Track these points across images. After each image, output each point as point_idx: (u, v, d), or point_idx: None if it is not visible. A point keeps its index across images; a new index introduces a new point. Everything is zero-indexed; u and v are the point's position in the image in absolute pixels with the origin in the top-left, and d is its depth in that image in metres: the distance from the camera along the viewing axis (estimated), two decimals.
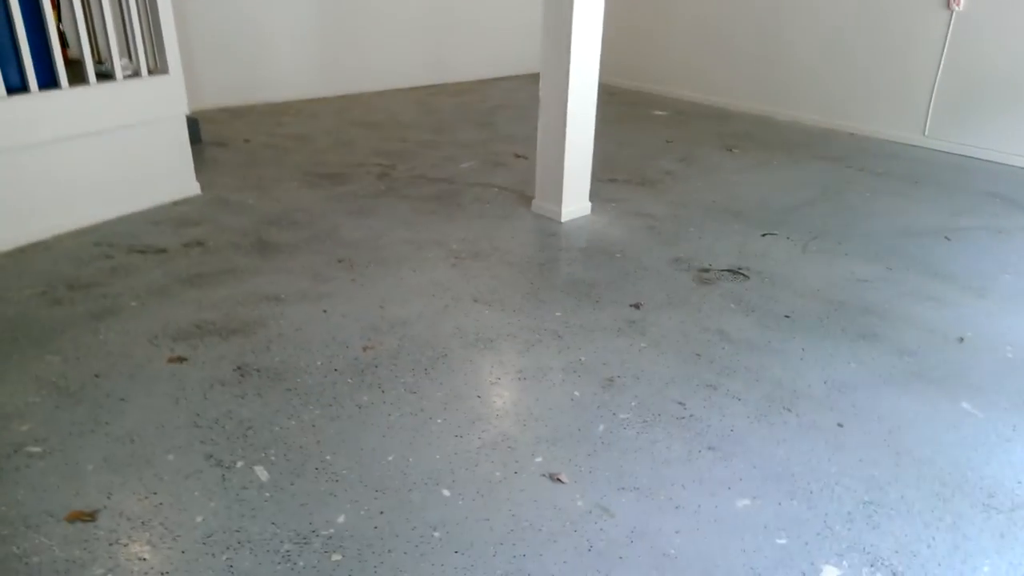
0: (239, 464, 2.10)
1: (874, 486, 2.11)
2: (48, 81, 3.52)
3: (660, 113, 7.08)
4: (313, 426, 2.28)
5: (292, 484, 2.03)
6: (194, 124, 5.03)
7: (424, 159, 5.21)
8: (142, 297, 3.08)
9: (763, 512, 2.00)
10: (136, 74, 3.91)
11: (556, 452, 2.21)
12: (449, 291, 3.24)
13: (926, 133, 6.00)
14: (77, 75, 3.65)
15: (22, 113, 3.40)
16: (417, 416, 2.36)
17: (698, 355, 2.80)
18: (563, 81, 3.82)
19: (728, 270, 3.56)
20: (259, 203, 4.22)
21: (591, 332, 2.94)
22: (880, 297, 3.32)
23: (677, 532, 1.92)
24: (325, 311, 3.02)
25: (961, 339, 2.98)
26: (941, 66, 5.79)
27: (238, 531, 1.86)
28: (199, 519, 1.89)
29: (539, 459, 2.18)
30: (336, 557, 1.79)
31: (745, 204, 4.52)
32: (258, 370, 2.58)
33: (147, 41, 3.95)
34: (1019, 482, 2.15)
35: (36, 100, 3.45)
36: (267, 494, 1.99)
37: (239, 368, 2.58)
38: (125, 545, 1.81)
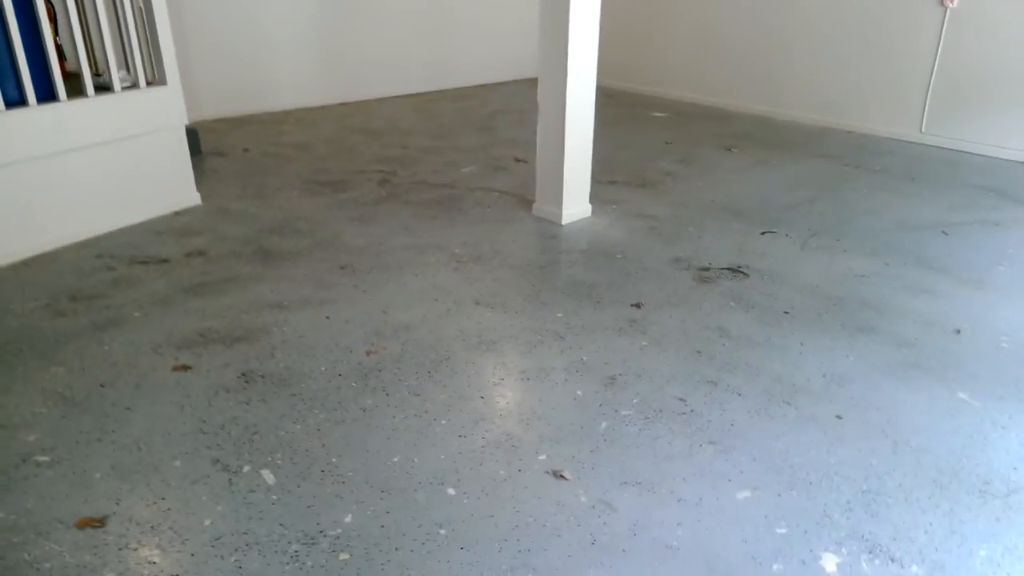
0: (246, 468, 2.13)
1: (872, 475, 2.14)
2: (47, 94, 3.56)
3: (659, 115, 7.12)
4: (318, 430, 2.31)
5: (299, 487, 2.06)
6: (193, 134, 5.07)
7: (425, 165, 5.25)
8: (145, 307, 3.11)
9: (763, 503, 2.02)
10: (134, 86, 3.95)
11: (559, 450, 2.24)
12: (451, 295, 3.27)
13: (922, 130, 6.03)
14: (75, 88, 3.69)
15: (22, 126, 3.44)
16: (421, 418, 2.39)
17: (698, 352, 2.82)
18: (561, 84, 3.86)
19: (728, 268, 3.59)
20: (260, 212, 4.26)
21: (592, 332, 2.97)
22: (878, 291, 3.35)
23: (679, 524, 1.94)
24: (328, 317, 3.05)
25: (957, 331, 3.00)
26: (936, 63, 5.82)
27: (246, 533, 1.88)
28: (207, 522, 1.92)
29: (542, 457, 2.21)
30: (344, 556, 1.81)
31: (744, 203, 4.55)
32: (263, 376, 2.61)
33: (144, 53, 3.99)
34: (1015, 468, 2.18)
35: (35, 113, 3.49)
36: (274, 497, 2.01)
37: (244, 375, 2.61)
38: (135, 549, 1.84)
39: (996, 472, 2.17)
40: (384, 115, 6.87)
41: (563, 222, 4.15)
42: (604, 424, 2.37)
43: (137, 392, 2.50)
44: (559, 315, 3.10)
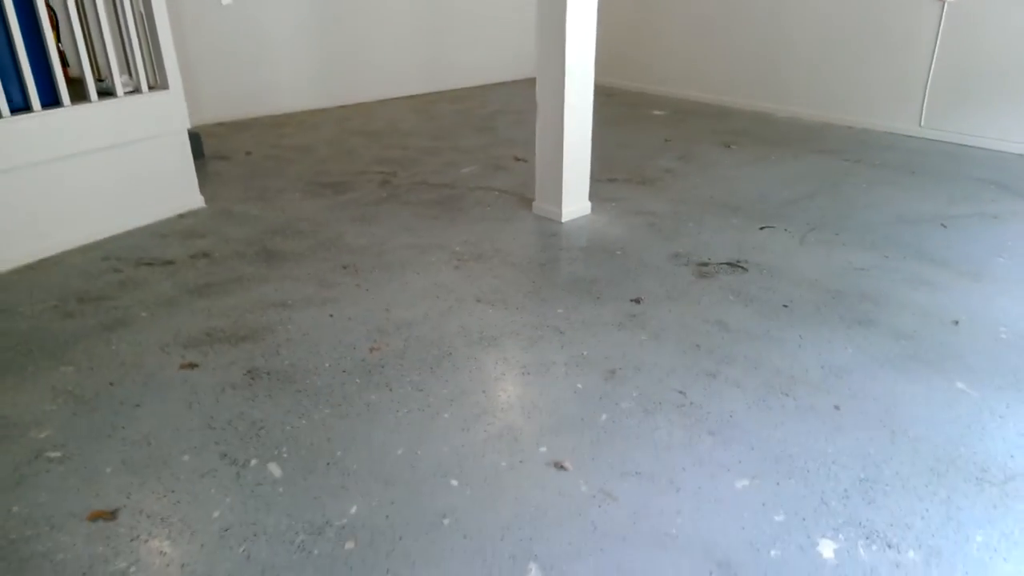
0: (253, 462, 2.17)
1: (870, 464, 2.17)
2: (50, 100, 3.61)
3: (659, 113, 7.15)
4: (323, 424, 2.35)
5: (305, 479, 2.09)
6: (196, 138, 5.12)
7: (425, 165, 5.29)
8: (152, 308, 3.15)
9: (761, 492, 2.05)
10: (136, 90, 3.99)
11: (560, 442, 2.27)
12: (453, 292, 3.31)
13: (922, 124, 6.05)
14: (79, 93, 3.74)
15: (26, 132, 3.49)
16: (424, 412, 2.43)
17: (698, 346, 2.86)
18: (559, 83, 3.89)
19: (727, 263, 3.62)
20: (263, 214, 4.30)
21: (593, 327, 3.00)
22: (876, 284, 3.38)
23: (678, 513, 1.97)
24: (331, 315, 3.09)
25: (956, 322, 3.03)
26: (935, 57, 5.85)
27: (254, 524, 1.92)
28: (216, 514, 1.96)
29: (543, 448, 2.24)
30: (350, 545, 1.85)
31: (743, 199, 4.58)
32: (268, 373, 2.65)
33: (146, 57, 4.04)
34: (1012, 456, 2.21)
35: (39, 119, 3.53)
36: (281, 489, 2.05)
37: (249, 372, 2.65)
38: (146, 541, 1.87)
39: (993, 460, 2.20)
40: (384, 117, 6.91)
41: (563, 220, 4.19)
42: (604, 416, 2.40)
43: (145, 390, 2.54)
44: (559, 311, 3.13)
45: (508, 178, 5.00)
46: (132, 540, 1.87)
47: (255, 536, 1.88)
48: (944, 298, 3.24)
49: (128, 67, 4.01)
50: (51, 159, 3.60)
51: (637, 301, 3.23)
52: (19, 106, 3.49)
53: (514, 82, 8.68)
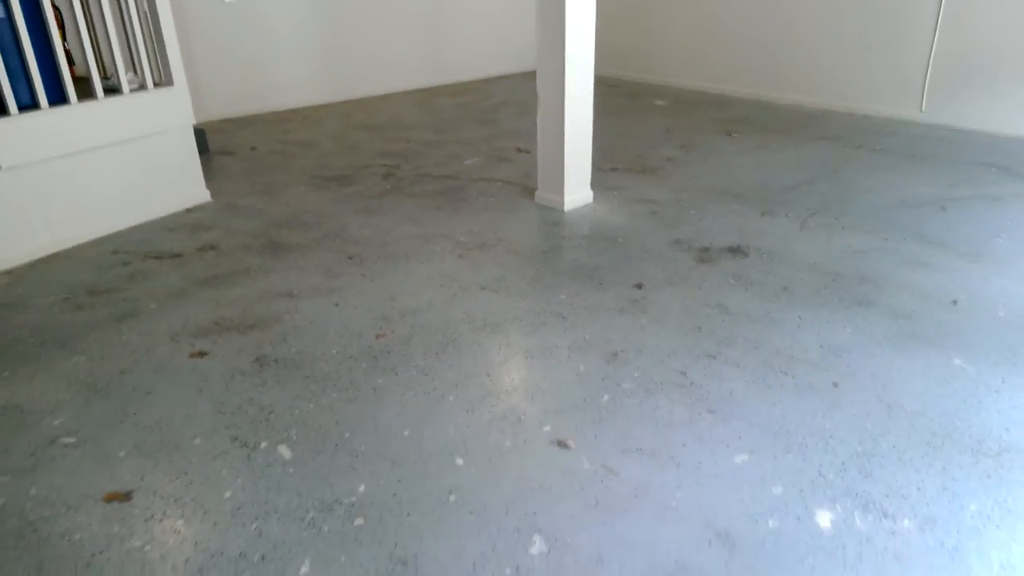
0: (263, 444, 2.22)
1: (867, 438, 2.21)
2: (58, 98, 3.67)
3: (660, 102, 7.18)
4: (331, 408, 2.40)
5: (314, 460, 2.15)
6: (201, 134, 5.17)
7: (428, 158, 5.33)
8: (161, 299, 3.21)
9: (760, 466, 2.10)
10: (142, 87, 4.05)
11: (563, 421, 2.32)
12: (457, 281, 3.35)
13: (923, 109, 6.07)
14: (85, 91, 3.79)
15: (35, 129, 3.54)
16: (430, 395, 2.48)
17: (699, 328, 2.90)
18: (559, 74, 3.93)
19: (728, 249, 3.66)
20: (268, 207, 4.35)
21: (595, 312, 3.04)
22: (876, 266, 3.41)
23: (678, 487, 2.02)
24: (337, 304, 3.14)
25: (954, 301, 3.06)
26: (935, 42, 5.86)
27: (265, 503, 1.97)
28: (228, 494, 2.01)
29: (547, 428, 2.29)
30: (359, 521, 1.90)
31: (745, 186, 4.62)
32: (276, 360, 2.70)
33: (151, 55, 4.09)
34: (1007, 429, 2.24)
35: (47, 116, 3.59)
36: (291, 470, 2.10)
37: (258, 359, 2.70)
38: (160, 520, 1.93)
39: (989, 433, 2.24)
40: (386, 111, 6.96)
41: (565, 209, 4.23)
42: (606, 397, 2.45)
43: (156, 377, 2.59)
44: (562, 297, 3.18)
45: (511, 169, 5.04)
46: (147, 520, 1.93)
47: (266, 514, 1.94)
48: (943, 279, 3.28)
49: (133, 65, 4.07)
50: (60, 156, 3.66)
51: (639, 287, 3.27)
52: (27, 104, 3.55)
53: (516, 75, 8.71)
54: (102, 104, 3.83)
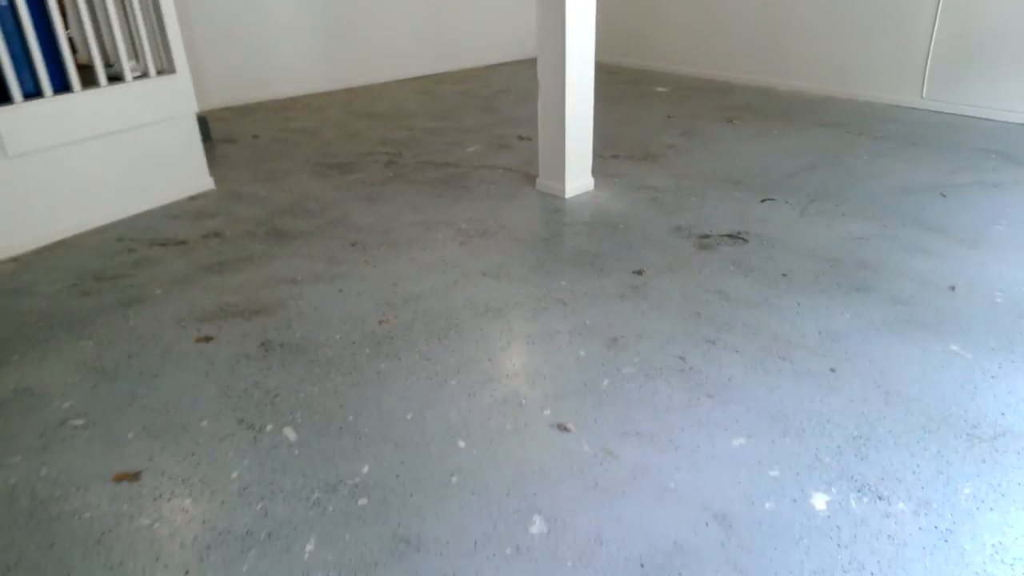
0: (269, 427, 2.26)
1: (863, 422, 2.24)
2: (61, 86, 3.69)
3: (661, 90, 7.18)
4: (335, 392, 2.44)
5: (319, 442, 2.18)
6: (203, 122, 5.19)
7: (430, 145, 5.35)
8: (166, 285, 3.24)
9: (758, 449, 2.13)
10: (145, 75, 4.07)
11: (563, 405, 2.35)
12: (458, 267, 3.38)
13: (924, 96, 6.07)
14: (88, 79, 3.81)
15: (39, 117, 3.56)
16: (432, 379, 2.51)
17: (698, 314, 2.92)
18: (560, 61, 3.94)
19: (728, 235, 3.68)
20: (272, 194, 4.38)
21: (596, 298, 3.07)
22: (875, 253, 3.44)
23: (677, 469, 2.05)
24: (341, 290, 3.17)
25: (952, 287, 3.09)
26: (935, 28, 5.85)
27: (271, 483, 2.01)
28: (234, 475, 2.05)
29: (547, 412, 2.32)
30: (363, 501, 1.94)
31: (745, 172, 4.63)
32: (281, 345, 2.73)
33: (153, 42, 4.10)
34: (1002, 413, 2.27)
35: (51, 104, 3.61)
36: (296, 451, 2.14)
37: (263, 344, 2.74)
38: (168, 500, 1.97)
39: (984, 417, 2.27)
40: (388, 99, 6.96)
41: (566, 196, 4.25)
42: (606, 381, 2.48)
43: (163, 361, 2.63)
44: (563, 283, 3.20)
45: (512, 156, 5.06)
46: (155, 499, 1.97)
47: (272, 494, 1.97)
48: (941, 265, 3.30)
49: (136, 52, 4.08)
50: (64, 143, 3.68)
51: (639, 273, 3.30)
52: (31, 92, 3.57)
53: (517, 62, 8.71)
54: (105, 92, 3.85)
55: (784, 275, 3.24)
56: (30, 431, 2.26)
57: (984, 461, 2.08)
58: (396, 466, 2.08)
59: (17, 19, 3.46)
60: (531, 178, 4.50)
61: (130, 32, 4.05)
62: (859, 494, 1.96)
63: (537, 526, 1.86)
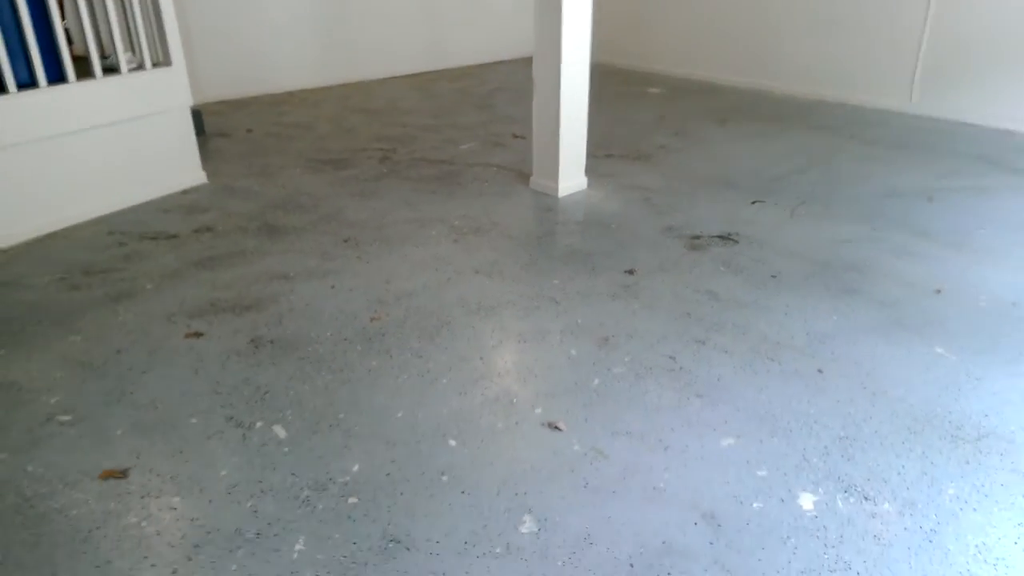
0: (258, 424, 2.26)
1: (850, 423, 2.26)
2: (56, 77, 3.67)
3: (655, 91, 7.19)
4: (326, 389, 2.44)
5: (309, 440, 2.18)
6: (198, 116, 5.16)
7: (424, 142, 5.35)
8: (156, 280, 3.23)
9: (746, 449, 2.15)
10: (140, 67, 4.05)
11: (554, 404, 2.36)
12: (451, 265, 3.39)
13: (913, 100, 6.10)
14: (84, 70, 3.79)
15: (33, 108, 3.55)
16: (424, 377, 2.51)
17: (688, 314, 2.94)
18: (555, 60, 3.95)
19: (718, 236, 3.70)
20: (264, 189, 4.37)
21: (587, 297, 3.08)
22: (862, 255, 3.46)
23: (666, 469, 2.07)
24: (333, 287, 3.17)
25: (938, 290, 3.11)
26: (925, 34, 5.89)
27: (260, 481, 2.01)
28: (223, 473, 2.05)
29: (538, 411, 2.33)
30: (352, 500, 1.95)
31: (736, 174, 4.65)
32: (272, 341, 2.73)
33: (149, 34, 4.09)
34: (986, 415, 2.30)
35: (46, 95, 3.59)
36: (285, 449, 2.14)
37: (253, 340, 2.74)
38: (156, 497, 1.97)
39: (968, 419, 2.30)
40: (383, 95, 6.95)
41: (559, 195, 4.26)
42: (597, 381, 2.49)
43: (152, 357, 2.62)
44: (555, 282, 3.21)
45: (506, 154, 5.06)
46: (143, 497, 1.97)
47: (262, 492, 1.98)
48: (928, 268, 3.33)
49: (132, 44, 4.06)
50: (57, 135, 3.66)
51: (631, 272, 3.31)
52: (25, 82, 3.55)
53: (513, 61, 8.70)
54: (100, 83, 3.83)
55: (773, 276, 3.26)
56: (17, 427, 2.25)
57: (968, 462, 2.11)
58: (386, 464, 2.08)
59: (14, 8, 3.44)
60: (525, 176, 4.51)
61: (127, 24, 4.03)
62: (846, 494, 1.98)
63: (527, 525, 1.87)
